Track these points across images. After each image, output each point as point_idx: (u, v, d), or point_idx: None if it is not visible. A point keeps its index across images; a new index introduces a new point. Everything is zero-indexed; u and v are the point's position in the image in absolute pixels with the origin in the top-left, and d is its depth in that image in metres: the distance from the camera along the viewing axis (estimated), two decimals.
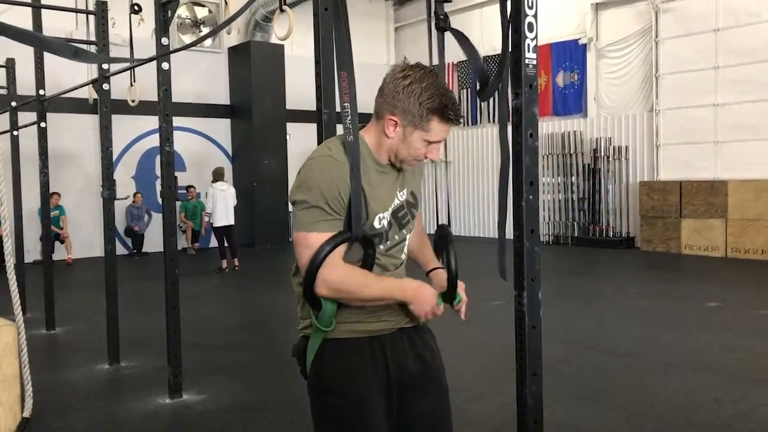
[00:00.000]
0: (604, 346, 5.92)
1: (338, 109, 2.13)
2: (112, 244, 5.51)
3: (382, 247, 2.00)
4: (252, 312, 8.20)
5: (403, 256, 2.14)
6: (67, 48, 2.40)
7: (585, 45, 13.61)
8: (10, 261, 4.17)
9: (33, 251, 11.11)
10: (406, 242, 2.13)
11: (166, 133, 4.48)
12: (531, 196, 2.28)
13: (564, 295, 8.09)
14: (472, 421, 4.07)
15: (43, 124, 6.63)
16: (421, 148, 1.96)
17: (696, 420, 4.03)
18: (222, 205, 10.62)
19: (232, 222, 10.77)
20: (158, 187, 14.23)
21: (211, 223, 10.80)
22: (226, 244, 10.78)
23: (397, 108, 1.93)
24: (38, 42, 3.51)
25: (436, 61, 2.34)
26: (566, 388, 4.59)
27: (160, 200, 14.51)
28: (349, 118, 1.93)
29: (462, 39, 2.21)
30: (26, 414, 4.08)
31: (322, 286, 1.88)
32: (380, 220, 1.97)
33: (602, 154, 13.17)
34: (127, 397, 4.73)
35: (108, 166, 5.41)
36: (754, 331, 6.26)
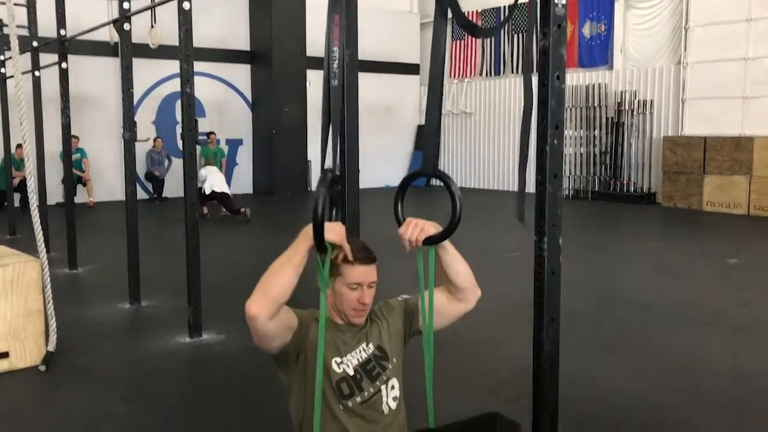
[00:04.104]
0: (623, 299, 5.92)
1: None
2: (132, 185, 5.55)
3: (358, 399, 2.08)
4: (270, 256, 8.20)
5: (391, 406, 2.14)
6: None
7: None
8: (33, 199, 4.21)
9: (55, 194, 11.24)
10: (389, 395, 2.14)
11: (186, 74, 4.45)
12: (555, 141, 2.25)
13: (583, 249, 8.06)
14: (491, 369, 4.12)
15: (64, 65, 6.61)
16: (349, 294, 2.07)
17: (714, 373, 4.03)
18: (215, 175, 10.80)
19: (227, 190, 10.81)
20: (179, 132, 14.26)
21: (204, 192, 10.54)
22: (224, 211, 10.77)
23: None
24: None
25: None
26: (584, 339, 4.61)
27: (180, 145, 14.42)
28: (336, 62, 1.97)
29: None
30: (50, 348, 4.18)
31: (252, 299, 1.89)
32: (339, 365, 2.08)
33: (626, 107, 12.94)
34: (148, 335, 4.82)
35: (129, 107, 5.40)
36: None
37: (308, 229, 1.93)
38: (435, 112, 2.19)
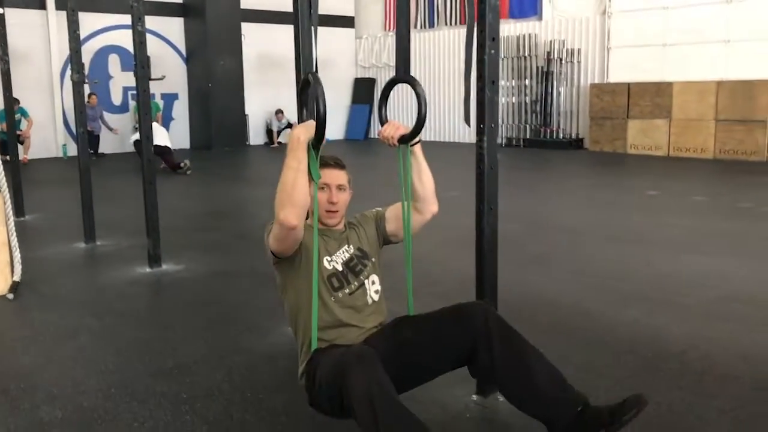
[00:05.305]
0: (551, 224, 6.43)
1: None
2: (83, 126, 5.64)
3: (346, 290, 2.38)
4: (216, 203, 8.49)
5: (374, 298, 2.45)
6: None
7: None
8: None
9: None
10: (371, 288, 2.45)
11: (138, 12, 4.58)
12: (492, 51, 2.59)
13: (515, 188, 8.52)
14: (434, 281, 4.51)
15: (0, 11, 6.55)
16: (320, 196, 2.34)
17: (630, 278, 4.53)
18: (157, 130, 10.75)
19: (169, 144, 10.85)
20: (112, 87, 14.06)
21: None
22: (163, 165, 10.76)
23: None
24: None
25: None
26: (517, 254, 5.03)
27: (114, 99, 14.07)
28: None
29: None
30: (16, 278, 4.34)
31: (285, 214, 2.14)
32: (329, 262, 2.39)
33: (555, 56, 13.45)
34: (109, 267, 5.01)
35: (76, 49, 5.46)
36: (686, 213, 6.85)
37: (298, 136, 2.18)
38: (403, 23, 2.53)
